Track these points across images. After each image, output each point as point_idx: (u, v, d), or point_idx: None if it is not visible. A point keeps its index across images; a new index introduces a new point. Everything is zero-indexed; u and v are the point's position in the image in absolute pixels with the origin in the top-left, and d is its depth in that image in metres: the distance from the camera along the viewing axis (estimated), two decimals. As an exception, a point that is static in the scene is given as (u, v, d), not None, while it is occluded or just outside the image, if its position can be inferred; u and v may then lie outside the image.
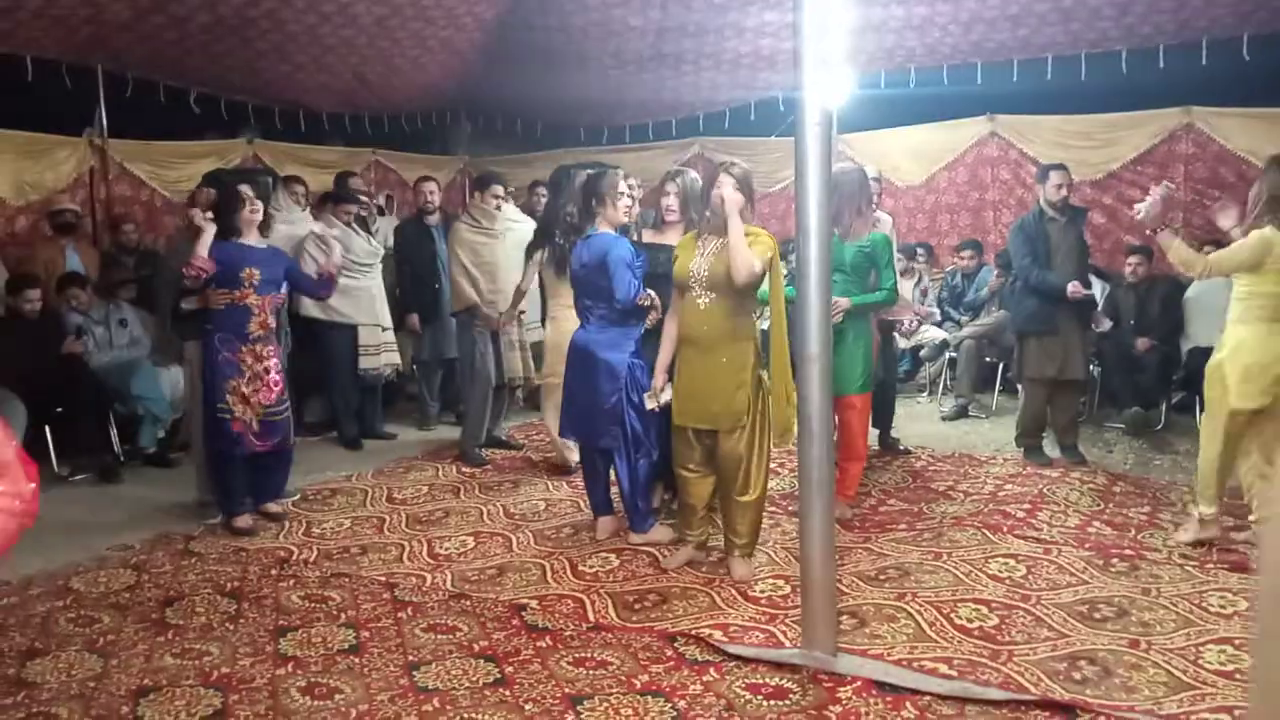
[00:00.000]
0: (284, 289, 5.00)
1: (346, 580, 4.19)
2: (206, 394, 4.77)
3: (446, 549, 4.57)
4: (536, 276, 5.69)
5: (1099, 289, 6.83)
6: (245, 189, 4.88)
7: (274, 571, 4.31)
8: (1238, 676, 3.11)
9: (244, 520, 4.83)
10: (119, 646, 3.56)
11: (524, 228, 6.22)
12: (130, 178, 7.73)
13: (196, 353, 4.99)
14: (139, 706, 3.10)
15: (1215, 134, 7.41)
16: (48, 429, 5.88)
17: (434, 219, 6.94)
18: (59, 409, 5.89)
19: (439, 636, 3.59)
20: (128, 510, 5.27)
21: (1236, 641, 3.35)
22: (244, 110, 8.40)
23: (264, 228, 4.97)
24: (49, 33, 6.49)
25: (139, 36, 6.75)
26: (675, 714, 2.97)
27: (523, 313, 6.19)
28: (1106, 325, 6.72)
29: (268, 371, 4.80)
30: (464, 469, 5.99)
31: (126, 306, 6.53)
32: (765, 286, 3.98)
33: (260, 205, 4.91)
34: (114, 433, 6.10)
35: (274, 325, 4.90)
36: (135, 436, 6.23)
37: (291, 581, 4.19)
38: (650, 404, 4.26)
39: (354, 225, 6.58)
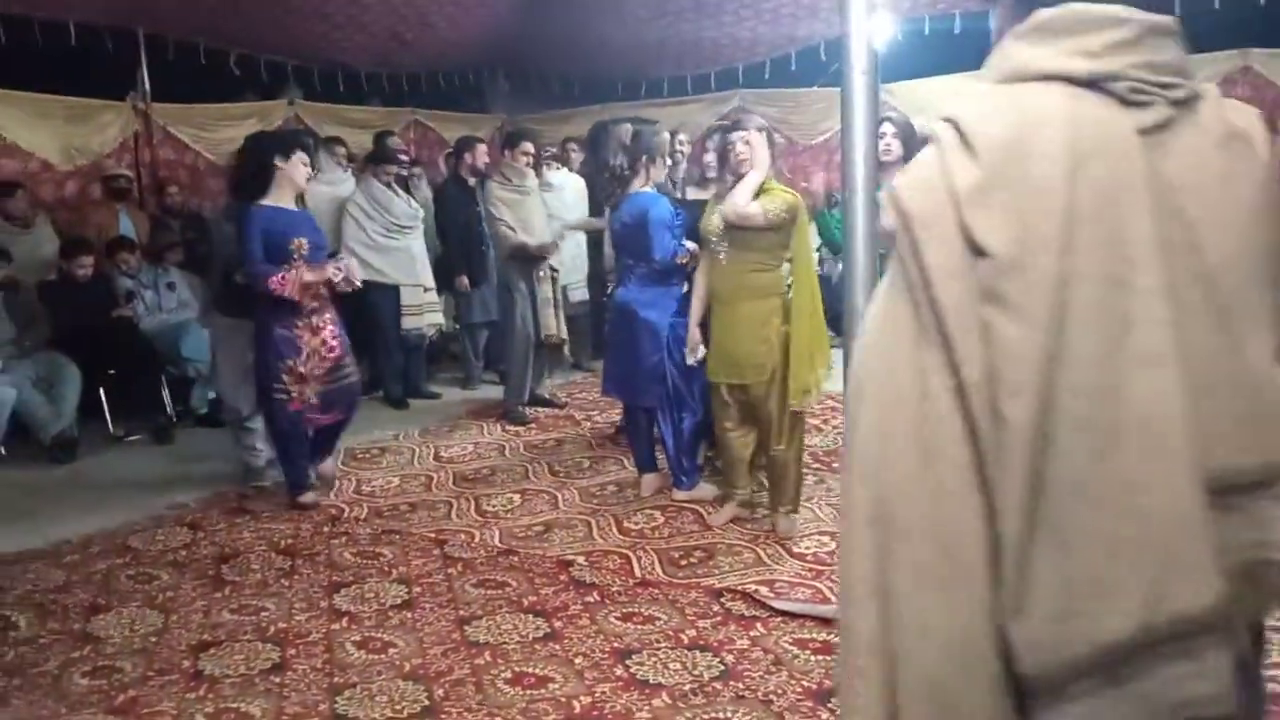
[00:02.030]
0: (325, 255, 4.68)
1: (397, 537, 4.26)
2: (260, 374, 4.52)
3: (494, 506, 4.62)
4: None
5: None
6: (300, 148, 4.58)
7: (326, 529, 4.39)
8: None
9: (308, 496, 4.69)
10: (178, 603, 3.66)
11: (568, 185, 6.22)
12: (174, 141, 7.80)
13: (228, 324, 4.80)
14: (200, 660, 3.19)
15: (1274, 77, 7.18)
16: (102, 391, 6.01)
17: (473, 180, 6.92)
18: (112, 371, 6.01)
19: (489, 592, 3.64)
20: (182, 470, 5.39)
21: None
22: (283, 71, 8.42)
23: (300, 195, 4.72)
24: (91, -2, 6.54)
25: (179, 0, 6.78)
26: (723, 668, 3.00)
27: (555, 271, 6.21)
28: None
29: (324, 343, 4.54)
30: (509, 427, 6.04)
31: (174, 270, 6.62)
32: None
33: (309, 165, 4.65)
34: (166, 394, 6.22)
35: (326, 295, 4.62)
36: (187, 397, 6.34)
37: (344, 539, 4.27)
38: (690, 359, 4.26)
39: (394, 185, 6.59)
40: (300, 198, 4.71)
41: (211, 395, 6.36)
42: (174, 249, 6.73)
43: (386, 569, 3.91)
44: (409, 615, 3.47)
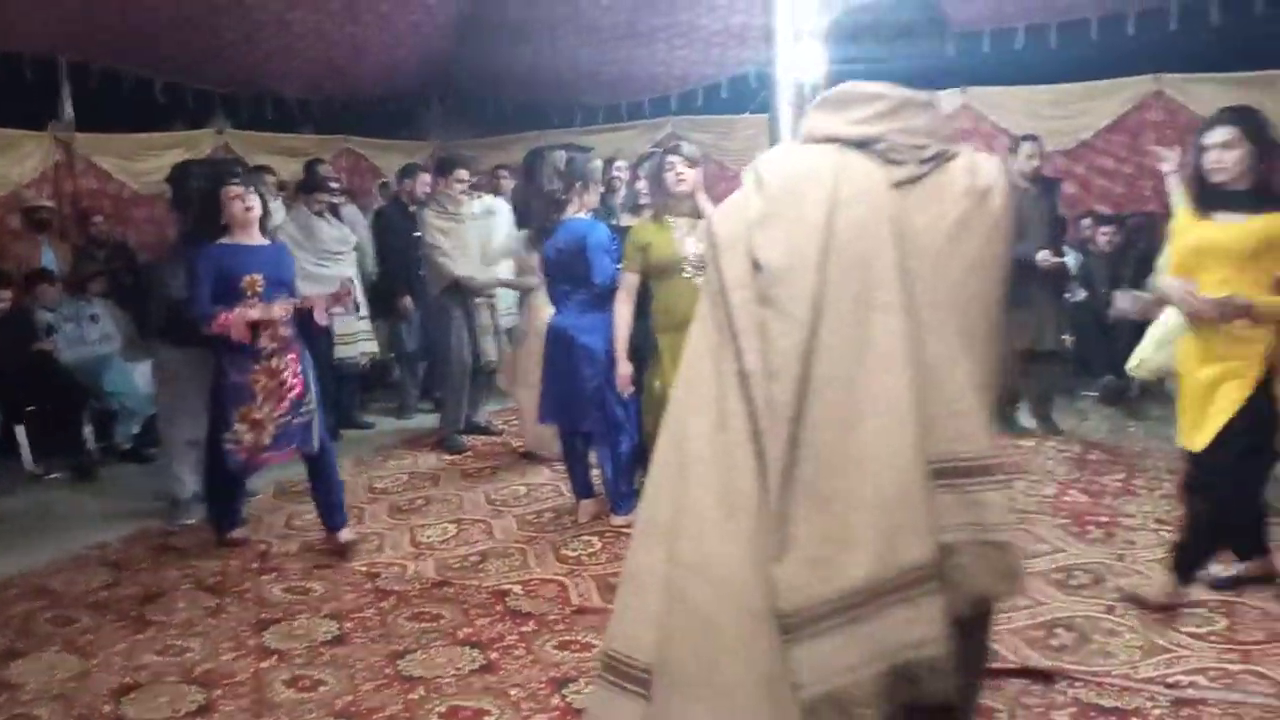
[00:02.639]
0: (292, 291, 4.39)
1: (328, 571, 4.18)
2: (213, 421, 4.27)
3: (428, 537, 4.57)
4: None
5: (1072, 259, 6.86)
6: (236, 182, 4.34)
7: (255, 565, 4.30)
8: (1211, 638, 3.16)
9: (239, 530, 4.59)
10: (99, 645, 3.54)
11: (500, 211, 6.21)
12: (97, 170, 7.62)
13: (173, 355, 4.74)
14: (121, 705, 3.09)
15: (1185, 100, 7.43)
16: (21, 428, 5.83)
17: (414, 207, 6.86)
18: (31, 407, 5.83)
19: (423, 625, 3.59)
20: (105, 507, 5.24)
21: (1210, 604, 3.39)
22: (212, 99, 8.30)
23: (263, 224, 4.43)
24: (11, 26, 6.39)
25: (103, 27, 6.66)
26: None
27: (493, 297, 6.19)
28: (1080, 295, 6.76)
29: (283, 384, 4.24)
30: (444, 456, 5.98)
31: (98, 302, 6.47)
32: None
33: (255, 200, 4.32)
34: (88, 429, 6.05)
35: (290, 333, 4.29)
36: (110, 433, 6.18)
37: (273, 575, 4.18)
38: (624, 392, 4.25)
39: (325, 214, 6.51)
40: (263, 222, 4.47)
41: (136, 430, 6.21)
42: (97, 280, 6.58)
43: (317, 605, 3.83)
44: (340, 651, 3.40)
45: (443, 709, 2.96)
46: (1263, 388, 3.13)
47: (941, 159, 1.53)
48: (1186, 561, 3.37)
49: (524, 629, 3.51)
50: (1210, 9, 6.97)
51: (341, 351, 6.54)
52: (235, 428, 4.18)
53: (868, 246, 1.45)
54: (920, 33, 1.60)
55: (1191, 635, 3.19)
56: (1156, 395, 6.55)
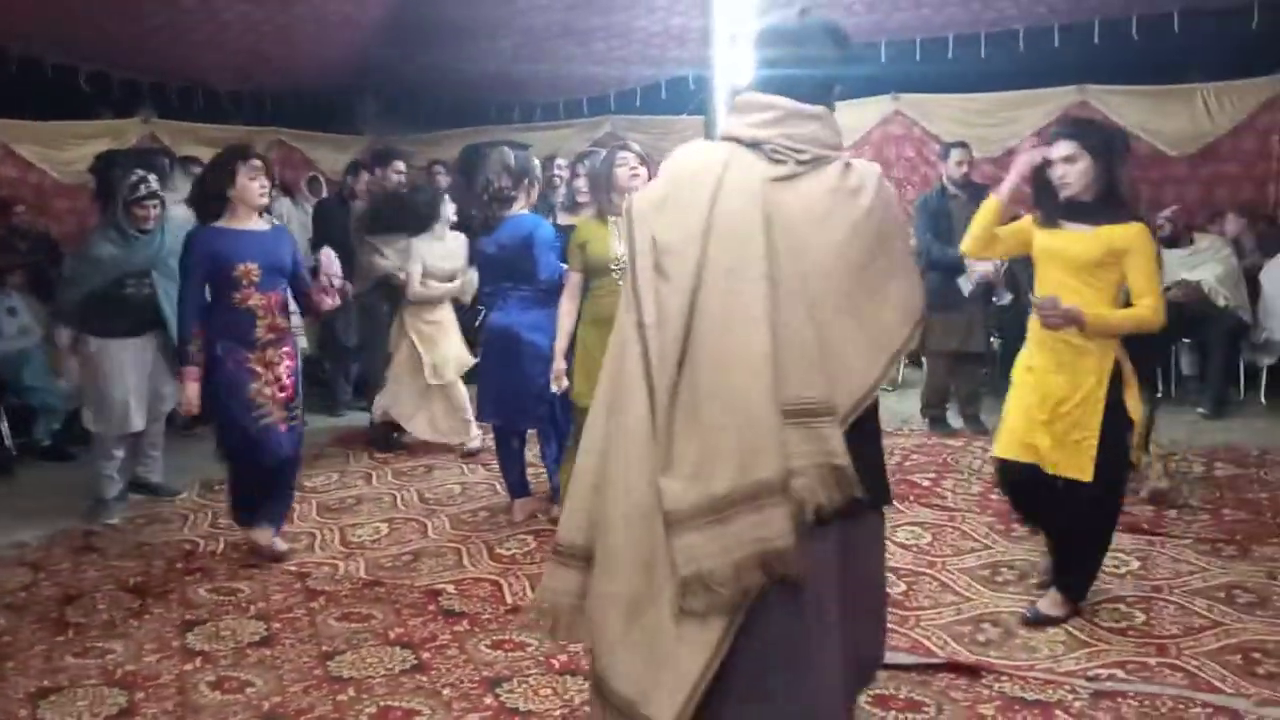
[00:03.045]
0: (293, 277, 4.18)
1: (256, 571, 4.10)
2: (232, 410, 3.92)
3: (359, 536, 4.51)
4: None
5: (999, 263, 7.01)
6: (257, 159, 4.04)
7: (179, 565, 4.20)
8: (1130, 632, 3.26)
9: (280, 543, 4.22)
10: (16, 648, 3.43)
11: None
12: (16, 159, 7.37)
13: (71, 340, 4.76)
14: (39, 709, 3.00)
15: (1108, 110, 7.66)
16: (-67, 424, 5.62)
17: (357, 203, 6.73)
18: (-55, 403, 5.64)
19: (353, 625, 3.54)
20: (23, 506, 5.06)
21: (1129, 599, 3.51)
22: (139, 88, 8.08)
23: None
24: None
25: (22, 11, 6.44)
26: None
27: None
28: (1007, 298, 6.91)
29: (277, 379, 4.00)
30: (376, 455, 5.90)
31: (15, 294, 6.25)
32: None
33: (267, 182, 4.06)
34: (5, 426, 5.85)
35: (286, 325, 4.10)
36: (29, 429, 5.98)
37: (198, 575, 4.09)
38: (556, 388, 4.18)
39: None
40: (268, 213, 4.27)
41: (56, 427, 6.02)
42: (15, 271, 6.36)
43: (244, 605, 3.76)
44: (268, 653, 3.34)
45: (373, 710, 2.93)
46: (1113, 406, 3.17)
47: (819, 162, 1.88)
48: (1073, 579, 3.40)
49: (457, 628, 3.48)
50: (1131, 24, 7.21)
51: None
52: (257, 402, 3.92)
53: (742, 228, 1.82)
54: (817, 55, 1.94)
55: (1111, 630, 3.29)
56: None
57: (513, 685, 3.05)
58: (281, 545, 4.23)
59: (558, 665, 3.17)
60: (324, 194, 7.57)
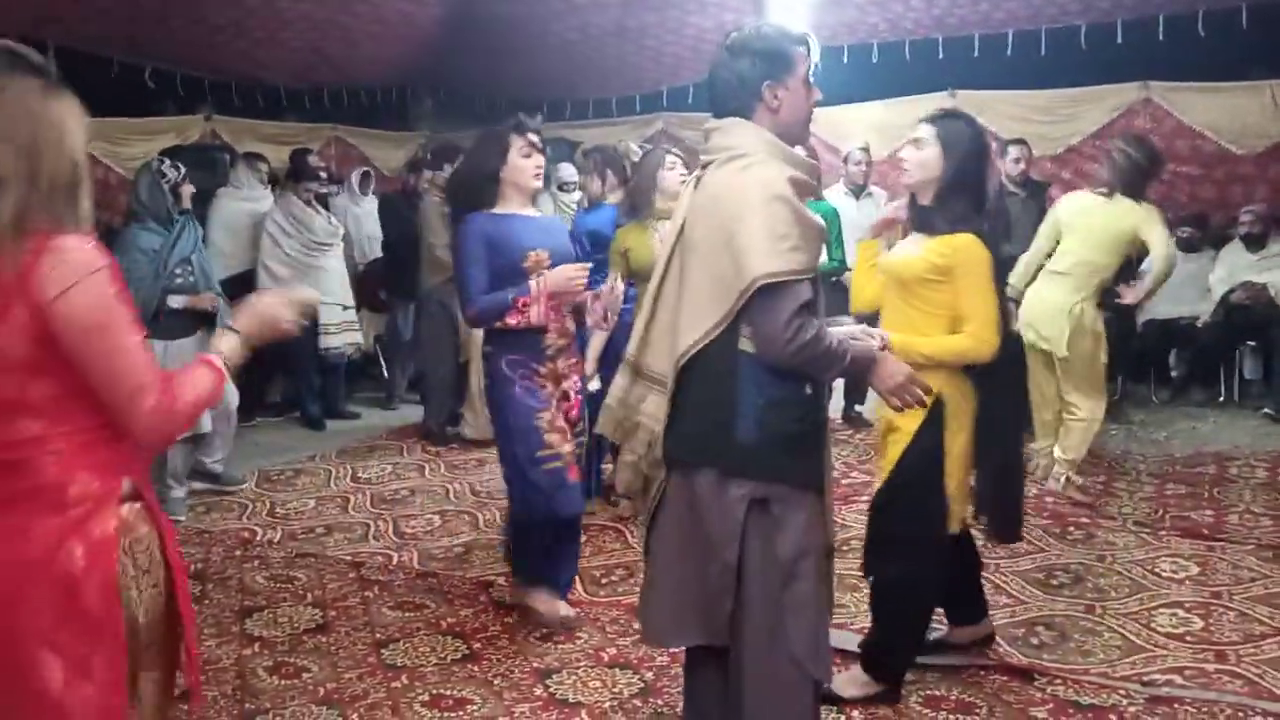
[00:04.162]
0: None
1: (312, 560, 4.18)
2: (519, 457, 3.26)
3: (412, 528, 4.57)
4: None
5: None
6: (533, 132, 3.36)
7: (238, 553, 4.29)
8: (1188, 638, 3.21)
9: (565, 609, 3.46)
10: None
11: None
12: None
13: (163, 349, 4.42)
14: (104, 689, 3.08)
15: (1172, 108, 7.51)
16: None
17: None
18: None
19: (406, 614, 3.60)
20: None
21: (1187, 605, 3.44)
22: (201, 85, 8.25)
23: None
24: (-3, 8, 6.33)
25: (91, 11, 6.61)
26: (643, 685, 3.01)
27: None
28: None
29: (565, 398, 3.34)
30: (429, 448, 5.98)
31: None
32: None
33: (541, 160, 3.37)
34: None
35: (573, 328, 3.41)
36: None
37: (256, 562, 4.17)
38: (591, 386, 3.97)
39: (314, 203, 6.49)
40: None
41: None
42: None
43: (301, 593, 3.83)
44: (323, 639, 3.41)
45: (425, 698, 2.98)
46: (926, 449, 2.72)
47: (717, 164, 2.17)
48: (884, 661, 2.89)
49: (507, 620, 3.52)
50: (1198, 19, 7.04)
51: (326, 341, 6.52)
52: (546, 442, 3.24)
53: (679, 221, 2.26)
54: (729, 75, 2.20)
55: (1168, 635, 3.23)
56: (1138, 399, 6.63)
57: (562, 677, 3.08)
58: (568, 611, 3.47)
59: (607, 658, 3.19)
60: (371, 189, 7.65)
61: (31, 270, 1.48)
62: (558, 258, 3.29)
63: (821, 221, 2.19)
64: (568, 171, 7.26)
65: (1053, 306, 4.52)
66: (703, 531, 2.17)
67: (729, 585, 2.15)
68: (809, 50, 2.23)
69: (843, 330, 2.30)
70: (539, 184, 3.39)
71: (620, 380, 2.35)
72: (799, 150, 2.24)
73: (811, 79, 2.24)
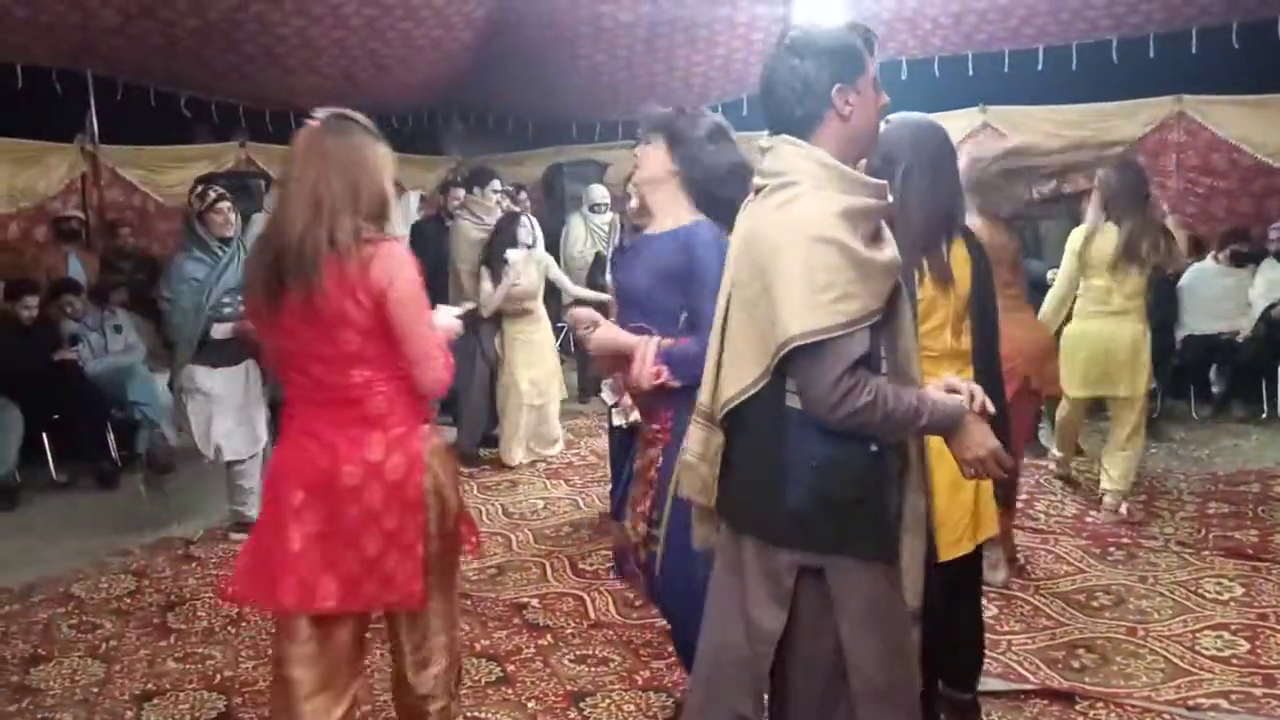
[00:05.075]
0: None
1: (347, 582, 4.18)
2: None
3: (446, 549, 4.57)
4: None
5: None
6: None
7: (274, 574, 4.31)
8: (1234, 661, 3.14)
9: None
10: (121, 652, 3.57)
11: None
12: (122, 183, 7.73)
13: (202, 372, 4.46)
14: (143, 711, 3.11)
15: (1206, 122, 7.43)
16: (45, 436, 5.88)
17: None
18: (55, 416, 5.88)
19: (440, 636, 3.59)
20: (127, 515, 5.27)
21: (1233, 627, 3.37)
22: (235, 113, 8.40)
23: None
24: (38, 40, 6.48)
25: (128, 41, 6.75)
26: (677, 708, 2.99)
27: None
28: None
29: (652, 463, 2.61)
30: (462, 470, 5.98)
31: (121, 312, 6.52)
32: None
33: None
34: (111, 438, 6.09)
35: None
36: (133, 442, 6.22)
37: (292, 584, 4.18)
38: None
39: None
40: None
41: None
42: (119, 290, 6.64)
43: (336, 614, 3.84)
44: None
45: (460, 721, 2.97)
46: None
47: (767, 191, 1.89)
48: None
49: (541, 642, 3.51)
50: (1231, 32, 6.98)
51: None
52: (626, 519, 2.76)
53: (732, 255, 2.00)
54: (791, 80, 1.88)
55: (1214, 659, 3.17)
56: (1178, 416, 6.53)
57: (596, 700, 3.06)
58: None
59: (640, 681, 3.17)
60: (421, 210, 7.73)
61: (369, 266, 2.09)
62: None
63: (891, 254, 1.84)
64: (599, 193, 7.29)
65: (1126, 347, 4.41)
66: (744, 593, 1.91)
67: (767, 658, 1.88)
68: (875, 49, 1.94)
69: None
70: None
71: (697, 433, 2.00)
72: (861, 165, 1.97)
73: (879, 81, 1.94)
